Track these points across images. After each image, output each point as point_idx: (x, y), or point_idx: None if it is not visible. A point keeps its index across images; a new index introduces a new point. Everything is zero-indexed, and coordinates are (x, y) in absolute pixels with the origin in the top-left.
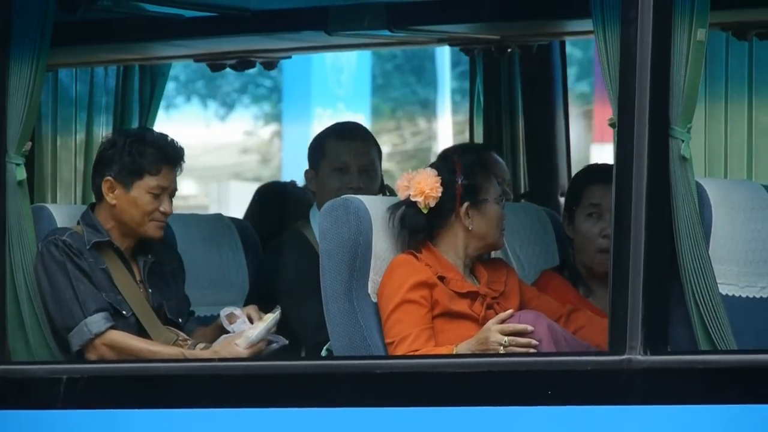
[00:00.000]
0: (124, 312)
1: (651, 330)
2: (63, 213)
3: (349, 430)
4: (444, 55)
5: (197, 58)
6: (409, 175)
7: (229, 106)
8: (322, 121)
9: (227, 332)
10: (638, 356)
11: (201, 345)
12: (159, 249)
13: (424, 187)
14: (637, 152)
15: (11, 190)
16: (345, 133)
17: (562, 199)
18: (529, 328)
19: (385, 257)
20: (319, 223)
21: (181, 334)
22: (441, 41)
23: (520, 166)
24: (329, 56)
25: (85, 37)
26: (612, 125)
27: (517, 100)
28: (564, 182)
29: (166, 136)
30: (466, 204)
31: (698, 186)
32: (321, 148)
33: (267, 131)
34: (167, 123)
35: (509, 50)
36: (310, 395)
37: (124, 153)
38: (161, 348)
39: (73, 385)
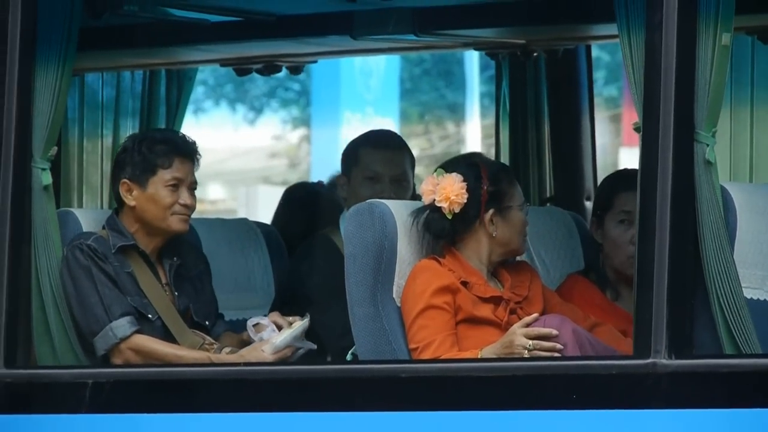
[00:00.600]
0: (150, 316)
1: (676, 334)
2: (89, 218)
3: None
4: (472, 59)
5: (223, 63)
6: (434, 180)
7: (257, 110)
8: (350, 125)
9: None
10: (663, 360)
11: (227, 349)
12: (185, 251)
13: (449, 192)
14: (662, 156)
15: (37, 195)
16: (379, 142)
17: (587, 204)
18: (554, 332)
19: (410, 261)
20: (345, 227)
21: (208, 338)
22: (466, 45)
23: (545, 170)
24: (358, 60)
25: (112, 41)
26: (637, 129)
27: (543, 104)
28: (590, 186)
29: (175, 131)
30: (491, 211)
31: (723, 190)
32: (354, 155)
33: (295, 135)
34: (196, 127)
35: (535, 54)
36: (335, 399)
37: (135, 153)
38: (187, 352)
39: (99, 390)
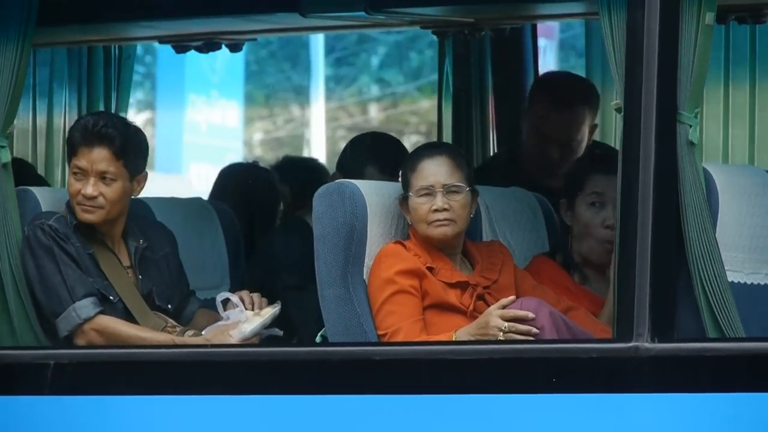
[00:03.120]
0: (111, 297)
1: (658, 317)
2: (48, 196)
3: (346, 418)
4: (318, 42)
5: (162, 40)
6: None
7: None
8: (195, 107)
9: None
10: (645, 344)
11: (190, 332)
12: (151, 233)
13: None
14: (644, 137)
15: None
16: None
17: None
18: (531, 315)
19: (380, 243)
20: (314, 207)
21: (170, 320)
22: (413, 23)
23: (489, 151)
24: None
25: (46, 17)
26: (618, 110)
27: (487, 84)
28: None
29: (107, 117)
30: (398, 199)
31: (705, 172)
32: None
33: (140, 119)
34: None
35: (482, 33)
36: (306, 382)
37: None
38: (151, 334)
39: (61, 371)
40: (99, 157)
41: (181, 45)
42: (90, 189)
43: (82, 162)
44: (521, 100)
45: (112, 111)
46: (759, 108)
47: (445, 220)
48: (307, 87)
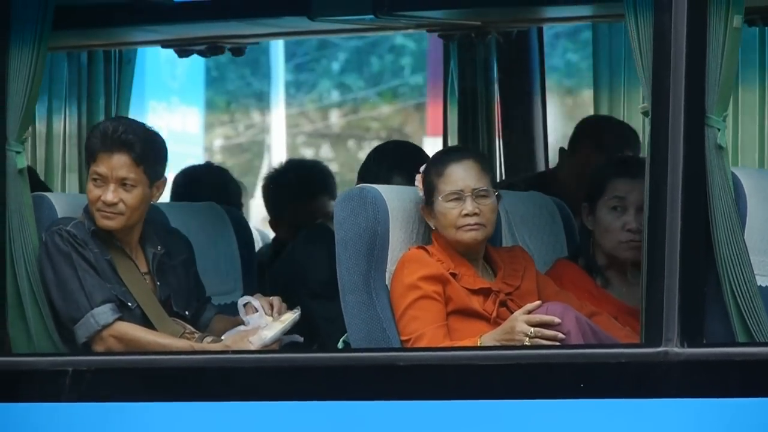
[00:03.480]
0: (129, 304)
1: (687, 322)
2: (63, 202)
3: (370, 424)
4: (278, 48)
5: (165, 44)
6: None
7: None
8: (156, 113)
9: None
10: (675, 348)
11: (209, 338)
12: (169, 239)
13: (419, 182)
14: (673, 141)
15: (12, 179)
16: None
17: None
18: (557, 320)
19: (402, 248)
20: (335, 212)
21: (188, 326)
22: (420, 27)
23: (495, 155)
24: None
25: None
26: (645, 114)
27: (493, 87)
28: (542, 169)
29: (128, 123)
30: (421, 205)
31: (732, 176)
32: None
33: None
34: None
35: (489, 36)
36: (330, 388)
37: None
38: (171, 340)
39: (80, 378)
40: (119, 163)
41: (184, 49)
42: (110, 195)
43: (102, 168)
44: (528, 103)
45: (113, 116)
46: None
47: (475, 224)
48: (268, 93)
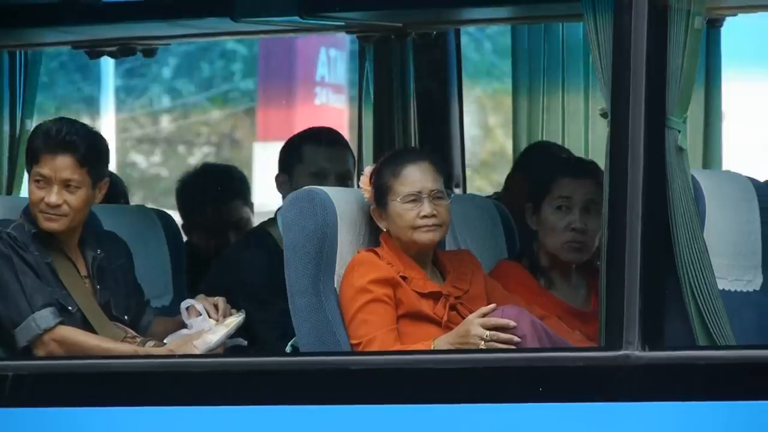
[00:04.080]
0: (70, 308)
1: (649, 325)
2: (3, 204)
3: (323, 429)
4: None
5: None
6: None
7: None
8: None
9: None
10: (636, 352)
11: (151, 343)
12: (108, 243)
13: (363, 184)
14: (633, 143)
15: None
16: (323, 139)
17: (456, 191)
18: (512, 323)
19: (350, 250)
20: (282, 214)
21: (130, 331)
22: (339, 28)
23: None
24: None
25: None
26: (603, 115)
27: (409, 90)
28: (459, 173)
29: (70, 124)
30: (372, 206)
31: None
32: (297, 152)
33: None
34: None
35: (410, 38)
36: (281, 393)
37: (29, 140)
38: (113, 345)
39: (20, 382)
40: (63, 164)
41: (95, 50)
42: (54, 197)
43: (45, 170)
44: (445, 105)
45: (18, 118)
46: None
47: (433, 225)
48: (98, 98)
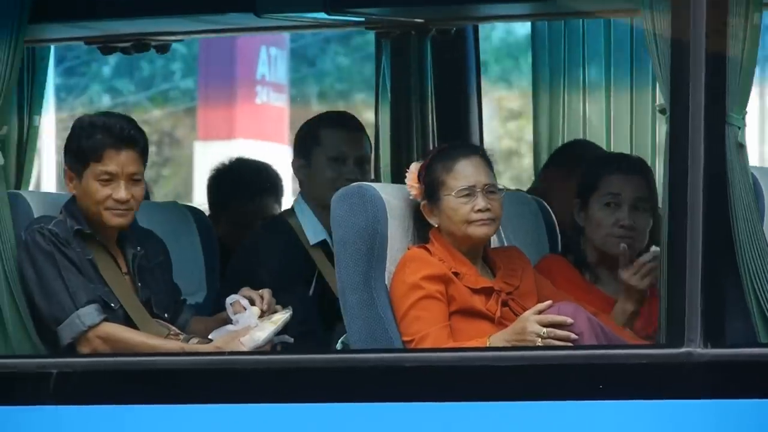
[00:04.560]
0: (112, 305)
1: (710, 322)
2: (38, 200)
3: (377, 427)
4: (48, 52)
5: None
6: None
7: None
8: None
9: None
10: (698, 349)
11: (194, 339)
12: (146, 241)
13: (409, 180)
14: (693, 140)
15: None
16: (342, 123)
17: None
18: (569, 320)
19: (399, 247)
20: (332, 210)
21: (173, 328)
22: (358, 24)
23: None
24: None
25: None
26: (662, 112)
27: (427, 86)
28: None
29: (123, 118)
30: (424, 202)
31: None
32: (315, 136)
33: None
34: None
35: (430, 34)
36: (334, 390)
37: (74, 140)
38: (160, 341)
39: (65, 380)
40: (128, 159)
41: (108, 46)
42: (123, 193)
43: (111, 167)
44: (464, 102)
45: (26, 114)
46: None
47: (487, 219)
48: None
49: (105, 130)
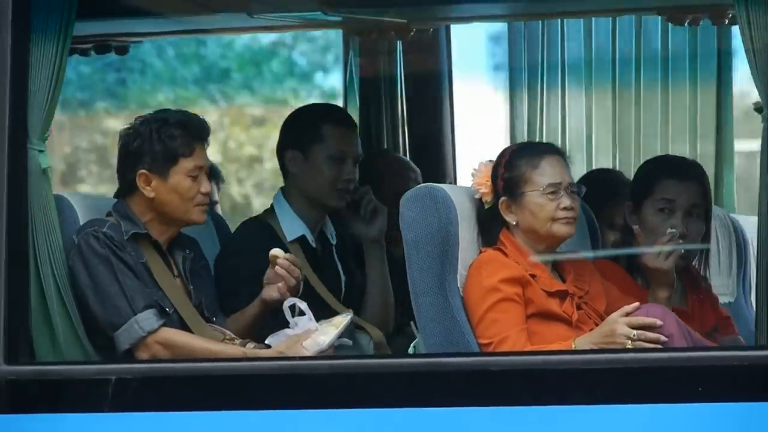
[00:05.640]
0: (167, 309)
1: None
2: (83, 203)
3: (462, 431)
4: None
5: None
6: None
7: None
8: None
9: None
10: None
11: (251, 344)
12: (191, 244)
13: (479, 181)
14: None
15: (35, 178)
16: (344, 120)
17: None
18: (659, 322)
19: (468, 249)
20: (402, 212)
21: (227, 332)
22: (334, 24)
23: (401, 151)
24: None
25: None
26: (758, 110)
27: (397, 86)
28: (450, 171)
29: (188, 112)
30: (503, 199)
31: None
32: (316, 131)
33: None
34: None
35: (402, 34)
36: (415, 395)
37: (153, 141)
38: (221, 347)
39: (124, 387)
40: (205, 153)
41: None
42: (207, 185)
43: (200, 160)
44: (436, 101)
45: None
46: None
47: (572, 217)
48: None
49: (185, 126)
